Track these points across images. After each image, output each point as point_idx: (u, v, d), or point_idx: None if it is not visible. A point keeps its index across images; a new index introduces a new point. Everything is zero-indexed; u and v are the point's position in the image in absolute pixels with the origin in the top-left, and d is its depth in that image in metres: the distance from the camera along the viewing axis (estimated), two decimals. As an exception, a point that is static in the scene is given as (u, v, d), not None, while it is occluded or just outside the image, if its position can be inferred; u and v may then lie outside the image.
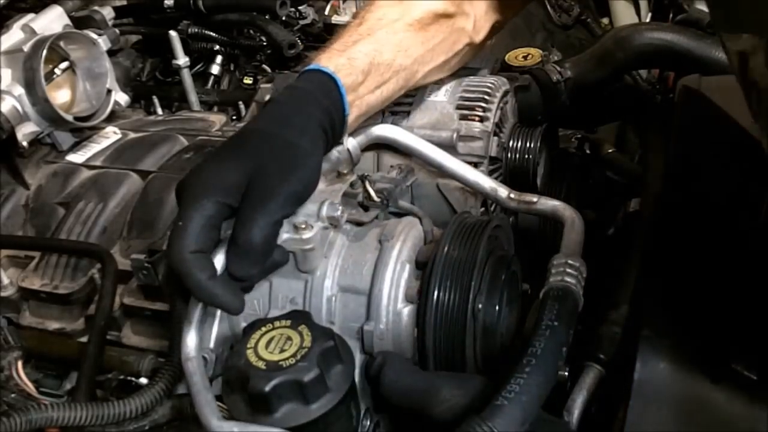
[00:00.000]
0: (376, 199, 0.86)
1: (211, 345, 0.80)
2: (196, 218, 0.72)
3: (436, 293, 0.77)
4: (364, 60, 0.89)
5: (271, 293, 0.81)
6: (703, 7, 1.27)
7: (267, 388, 0.65)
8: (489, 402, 0.66)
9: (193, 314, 0.73)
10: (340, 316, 0.80)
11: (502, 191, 0.90)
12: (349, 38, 0.92)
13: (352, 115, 0.88)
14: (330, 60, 0.88)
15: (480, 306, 0.77)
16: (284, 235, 0.77)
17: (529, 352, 0.66)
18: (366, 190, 0.86)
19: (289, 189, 0.75)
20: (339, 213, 0.80)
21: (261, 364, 0.66)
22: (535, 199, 0.87)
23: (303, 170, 0.78)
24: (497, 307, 0.78)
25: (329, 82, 0.85)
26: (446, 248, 0.79)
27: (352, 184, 0.86)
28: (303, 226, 0.77)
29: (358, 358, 0.78)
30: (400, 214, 0.90)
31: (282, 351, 0.68)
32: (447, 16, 0.97)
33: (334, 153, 0.87)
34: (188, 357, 0.71)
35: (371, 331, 0.78)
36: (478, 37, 1.02)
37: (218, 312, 0.81)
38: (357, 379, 0.75)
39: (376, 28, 0.93)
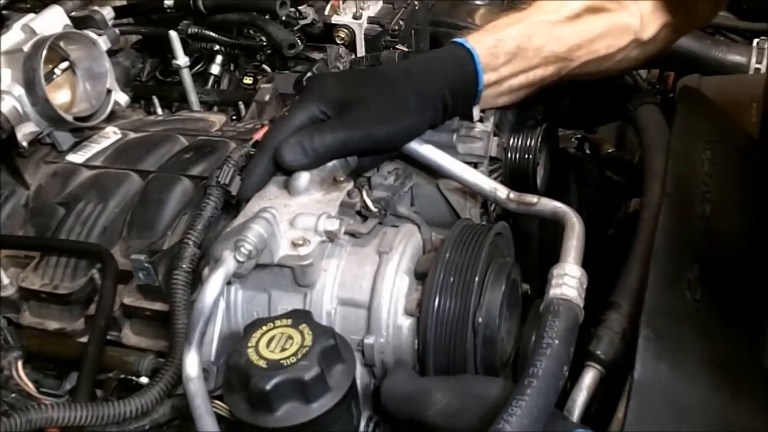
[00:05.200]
0: (373, 209, 0.85)
1: (212, 357, 0.80)
2: (296, 115, 0.88)
3: (436, 307, 0.77)
4: (511, 43, 0.95)
5: (270, 306, 0.81)
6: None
7: (268, 387, 0.65)
8: (481, 402, 0.67)
9: (193, 334, 0.72)
10: (340, 329, 0.79)
11: (502, 192, 0.90)
12: (503, 22, 0.98)
13: (491, 92, 0.97)
14: (477, 38, 0.95)
15: (480, 320, 0.77)
16: (282, 252, 0.78)
17: (530, 373, 0.65)
18: (363, 200, 0.85)
19: (374, 129, 0.86)
20: (337, 227, 0.79)
21: (262, 363, 0.66)
22: (534, 200, 0.87)
23: (395, 123, 0.88)
24: (498, 320, 0.78)
25: (466, 56, 0.93)
26: (445, 260, 0.79)
27: (349, 194, 0.85)
28: (301, 242, 0.77)
29: (359, 371, 0.78)
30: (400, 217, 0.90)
31: (283, 350, 0.68)
32: (604, 10, 1.00)
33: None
34: (189, 378, 0.70)
35: (371, 344, 0.78)
36: (646, 34, 1.02)
37: (218, 323, 0.81)
38: (358, 385, 0.75)
39: (531, 15, 0.98)
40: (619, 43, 1.01)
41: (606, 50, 1.01)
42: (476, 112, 0.97)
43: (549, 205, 0.86)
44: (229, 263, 0.74)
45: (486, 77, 0.94)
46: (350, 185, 0.86)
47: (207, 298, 0.72)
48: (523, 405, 0.63)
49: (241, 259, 0.74)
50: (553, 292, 0.73)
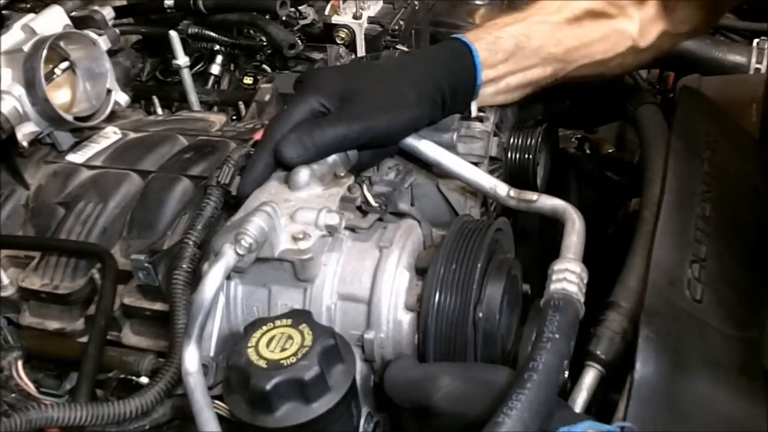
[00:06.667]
0: (374, 204, 0.85)
1: (212, 353, 0.80)
2: (295, 109, 0.87)
3: (436, 302, 0.77)
4: (510, 41, 0.96)
5: (270, 301, 0.81)
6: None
7: (268, 387, 0.65)
8: (489, 388, 0.67)
9: (192, 328, 0.72)
10: (340, 324, 0.80)
11: (502, 189, 0.90)
12: (502, 20, 0.99)
13: (489, 90, 0.97)
14: (476, 35, 0.96)
15: (480, 315, 0.77)
16: (282, 246, 0.77)
17: (530, 366, 0.65)
18: (363, 195, 0.85)
19: (373, 122, 0.86)
20: (337, 222, 0.79)
21: (262, 363, 0.66)
22: (534, 197, 0.87)
23: (395, 115, 0.87)
24: (498, 315, 0.78)
25: (465, 50, 0.94)
26: (446, 255, 0.79)
27: (349, 189, 0.85)
28: (301, 236, 0.77)
29: (359, 366, 0.78)
30: (400, 214, 0.90)
31: (283, 350, 0.68)
32: (605, 15, 1.00)
33: (331, 156, 0.87)
34: (189, 372, 0.70)
35: (372, 339, 0.78)
36: (644, 42, 1.03)
37: (218, 318, 0.81)
38: (358, 380, 0.75)
39: (531, 16, 0.99)
40: (616, 49, 1.02)
41: (603, 55, 1.02)
42: (474, 109, 0.97)
43: (549, 202, 0.86)
44: (229, 256, 0.73)
45: (484, 73, 0.94)
46: (350, 180, 0.86)
47: (207, 291, 0.72)
48: (523, 398, 0.62)
49: (241, 252, 0.74)
50: (554, 287, 0.73)
